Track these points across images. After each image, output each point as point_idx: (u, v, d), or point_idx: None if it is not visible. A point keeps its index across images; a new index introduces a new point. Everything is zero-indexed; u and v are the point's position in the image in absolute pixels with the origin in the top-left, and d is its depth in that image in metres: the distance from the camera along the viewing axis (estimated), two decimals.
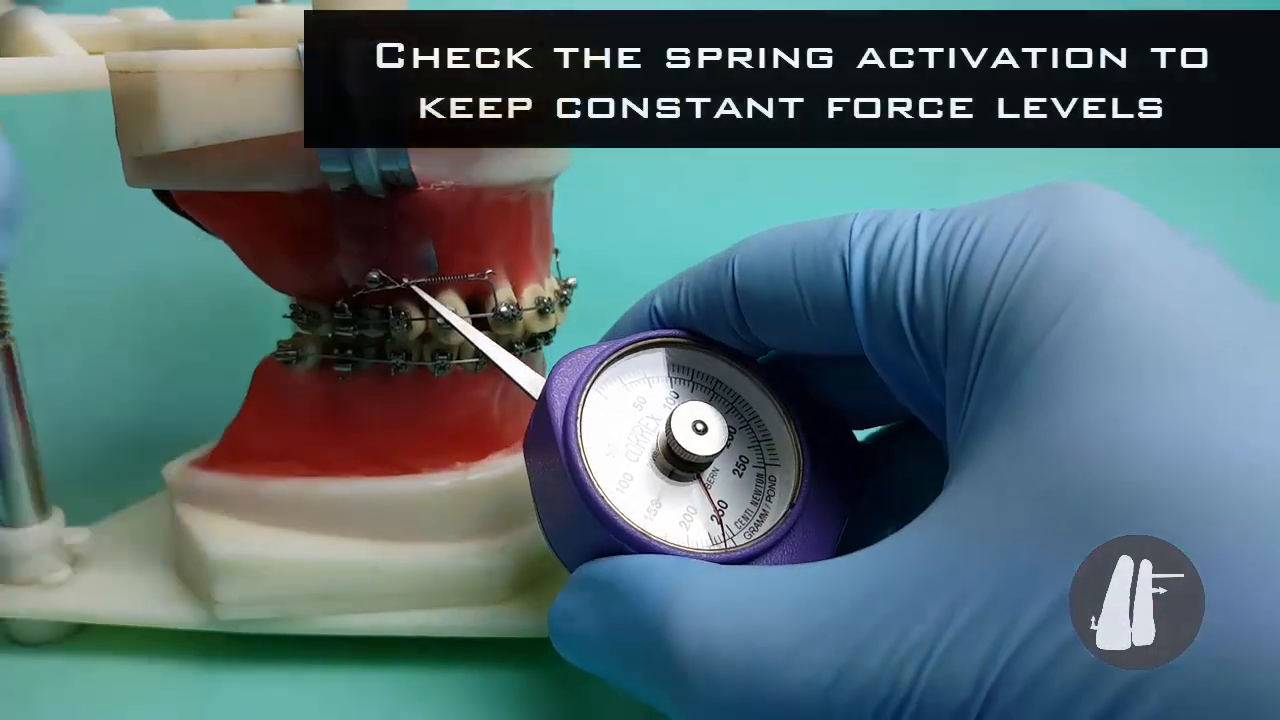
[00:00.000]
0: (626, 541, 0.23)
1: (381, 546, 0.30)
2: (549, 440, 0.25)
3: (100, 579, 0.31)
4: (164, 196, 0.33)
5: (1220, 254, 0.21)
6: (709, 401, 0.26)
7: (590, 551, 0.24)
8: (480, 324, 0.30)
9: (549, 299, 0.31)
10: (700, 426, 0.25)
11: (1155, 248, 0.20)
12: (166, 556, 0.32)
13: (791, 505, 0.25)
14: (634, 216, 0.57)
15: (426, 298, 0.28)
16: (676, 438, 0.24)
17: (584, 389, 0.25)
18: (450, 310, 0.29)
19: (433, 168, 0.27)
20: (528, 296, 0.31)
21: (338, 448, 0.30)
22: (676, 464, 0.25)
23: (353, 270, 0.28)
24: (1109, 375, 0.18)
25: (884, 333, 0.23)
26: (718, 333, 0.26)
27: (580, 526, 0.24)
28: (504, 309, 0.30)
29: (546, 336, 0.32)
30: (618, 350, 0.26)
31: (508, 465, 0.31)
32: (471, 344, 0.29)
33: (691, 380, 0.27)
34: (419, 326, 0.29)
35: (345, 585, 0.30)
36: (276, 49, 0.26)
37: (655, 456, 0.25)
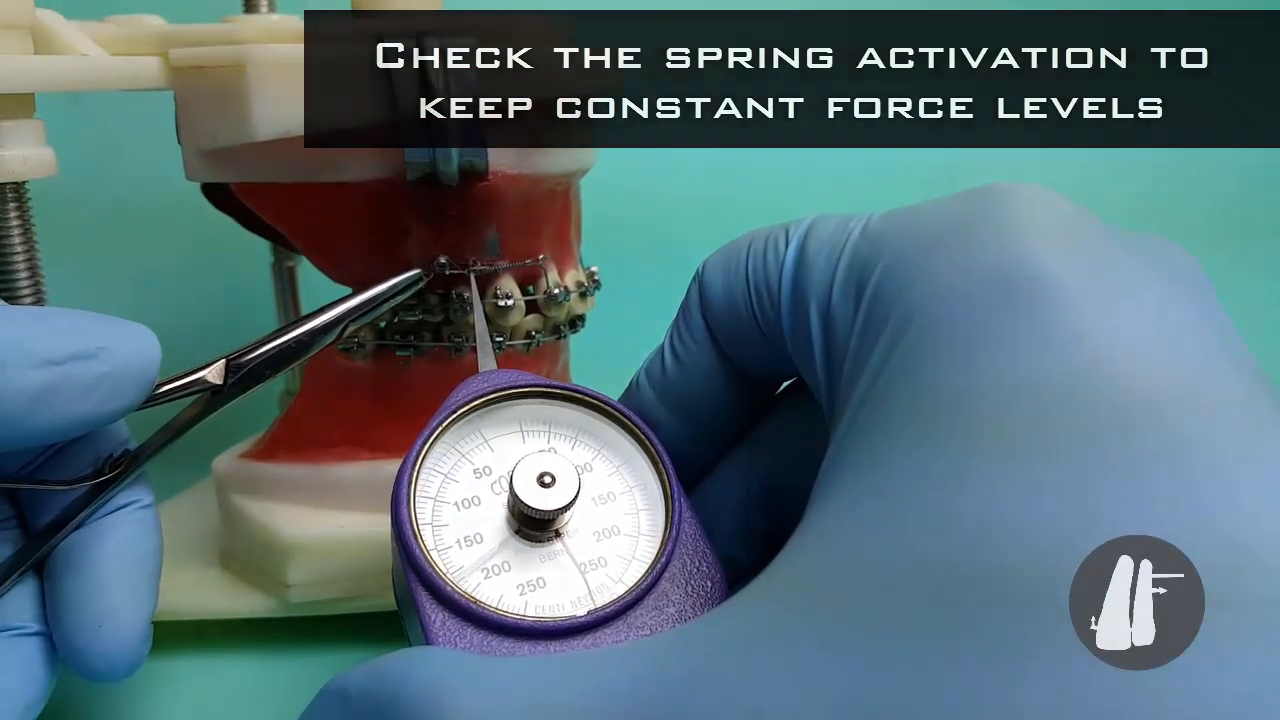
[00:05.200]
0: (444, 604, 0.21)
1: None
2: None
3: None
4: (211, 193, 0.34)
5: (1185, 257, 0.20)
6: (571, 451, 0.24)
7: (414, 618, 0.22)
8: (532, 306, 0.31)
9: (585, 284, 0.32)
10: (547, 479, 0.22)
11: (1075, 279, 0.18)
12: (206, 553, 0.33)
13: (659, 556, 0.23)
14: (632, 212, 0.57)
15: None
16: (519, 493, 0.22)
17: (431, 437, 0.23)
18: (502, 292, 0.30)
19: (500, 157, 0.28)
20: (569, 281, 0.32)
21: (398, 430, 0.31)
22: (525, 522, 0.23)
23: (421, 257, 0.29)
24: (975, 442, 0.16)
25: (800, 333, 0.22)
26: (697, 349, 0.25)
27: (403, 585, 0.22)
28: (555, 291, 0.31)
29: (582, 320, 0.33)
30: (475, 399, 0.24)
31: None
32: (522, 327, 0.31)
33: (551, 432, 0.24)
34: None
35: None
36: (359, 43, 0.27)
37: (507, 515, 0.23)
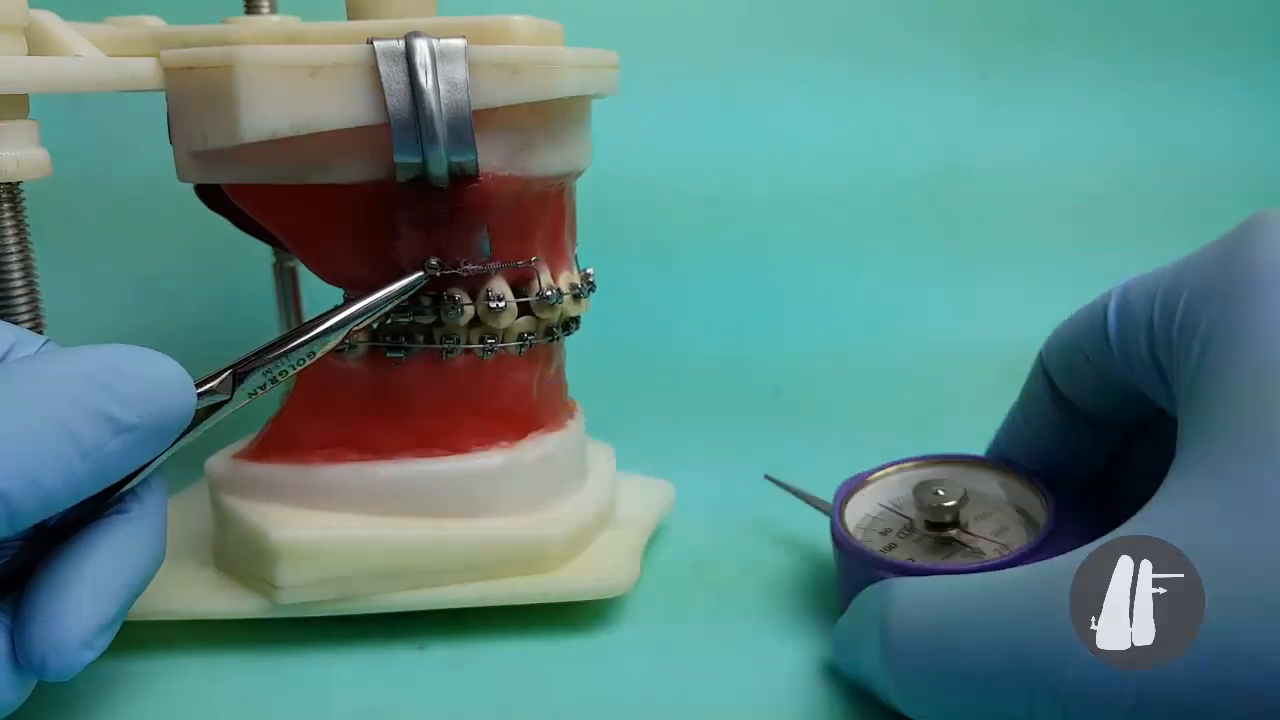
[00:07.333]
0: (880, 567, 0.29)
1: (436, 523, 0.31)
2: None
3: None
4: (205, 194, 0.34)
5: None
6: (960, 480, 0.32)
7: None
8: (524, 307, 0.31)
9: (579, 285, 0.32)
10: (940, 492, 0.30)
11: None
12: (199, 552, 0.33)
13: (1038, 531, 0.29)
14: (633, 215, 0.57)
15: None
16: (918, 499, 0.31)
17: (853, 489, 0.32)
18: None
19: (491, 158, 0.29)
20: (562, 283, 0.32)
21: (389, 431, 0.31)
22: (929, 526, 0.31)
23: (411, 258, 0.29)
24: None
25: (1133, 361, 0.27)
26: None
27: (843, 568, 0.31)
28: (547, 293, 0.31)
29: (576, 321, 0.33)
30: (889, 468, 0.33)
31: (548, 443, 0.33)
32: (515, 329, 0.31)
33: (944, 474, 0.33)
34: (469, 311, 0.30)
35: (404, 562, 0.31)
36: (350, 44, 0.27)
37: (916, 524, 0.31)
